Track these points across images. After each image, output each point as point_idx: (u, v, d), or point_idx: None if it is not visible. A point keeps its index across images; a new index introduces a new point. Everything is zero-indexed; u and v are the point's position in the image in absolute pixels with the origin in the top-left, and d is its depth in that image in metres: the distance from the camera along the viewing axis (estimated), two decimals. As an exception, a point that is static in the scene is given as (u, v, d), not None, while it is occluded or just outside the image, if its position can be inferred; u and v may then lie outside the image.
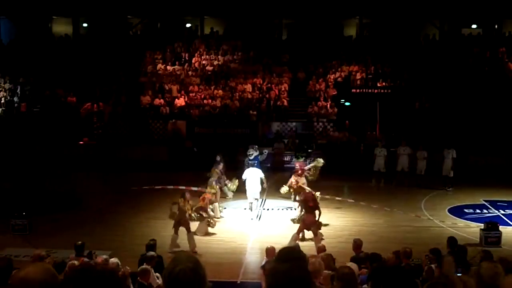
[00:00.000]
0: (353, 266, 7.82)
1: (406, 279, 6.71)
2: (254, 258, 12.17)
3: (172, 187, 16.48)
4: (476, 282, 3.88)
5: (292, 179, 16.00)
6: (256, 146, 19.13)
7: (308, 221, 12.66)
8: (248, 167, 18.02)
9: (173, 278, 2.87)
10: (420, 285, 7.56)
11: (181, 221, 12.74)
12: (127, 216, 15.80)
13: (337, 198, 16.71)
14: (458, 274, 7.76)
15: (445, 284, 3.30)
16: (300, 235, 12.78)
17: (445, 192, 18.90)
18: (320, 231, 13.17)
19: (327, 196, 16.16)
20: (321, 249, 10.17)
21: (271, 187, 18.50)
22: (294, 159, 17.37)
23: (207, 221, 13.87)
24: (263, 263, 9.31)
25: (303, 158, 17.12)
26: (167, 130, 25.11)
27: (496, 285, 3.44)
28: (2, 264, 6.35)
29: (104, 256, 8.95)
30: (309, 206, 12.81)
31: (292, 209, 16.06)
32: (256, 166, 18.25)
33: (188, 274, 2.87)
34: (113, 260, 8.71)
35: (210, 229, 14.09)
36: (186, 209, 12.84)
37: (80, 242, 9.96)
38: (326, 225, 14.36)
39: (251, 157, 18.40)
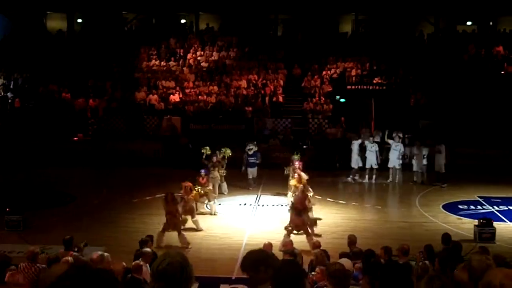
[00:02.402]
0: (348, 262, 7.84)
1: (401, 275, 6.72)
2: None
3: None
4: (468, 275, 3.91)
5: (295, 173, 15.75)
6: (255, 142, 19.01)
7: (296, 222, 12.65)
8: (247, 163, 18.10)
9: (161, 271, 2.91)
10: (415, 281, 7.57)
11: (171, 224, 12.74)
12: (121, 212, 15.78)
13: (329, 199, 16.66)
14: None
15: (440, 278, 3.31)
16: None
17: (439, 188, 18.93)
18: (315, 228, 13.22)
19: (318, 197, 16.18)
20: (315, 245, 10.21)
21: (265, 183, 18.54)
22: (293, 156, 17.18)
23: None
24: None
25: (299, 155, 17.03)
26: (162, 126, 25.03)
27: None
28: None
29: (100, 252, 8.90)
30: (298, 210, 12.80)
31: (286, 205, 15.98)
32: (255, 162, 18.23)
33: (176, 268, 2.91)
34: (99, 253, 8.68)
35: (207, 226, 14.13)
36: (176, 210, 12.87)
37: (68, 237, 9.88)
38: (319, 219, 14.33)
39: (250, 152, 18.33)
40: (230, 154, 17.38)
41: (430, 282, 3.28)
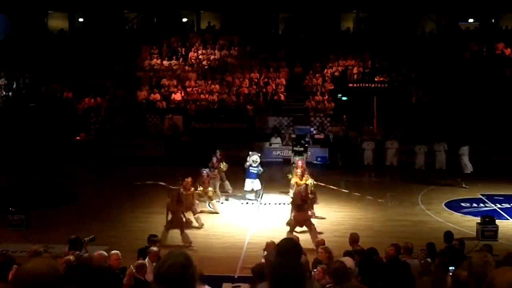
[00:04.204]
0: (349, 261, 7.84)
1: (401, 273, 6.74)
2: (251, 252, 12.17)
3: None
4: (468, 272, 3.95)
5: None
6: (260, 154, 17.42)
7: (299, 218, 12.65)
8: (248, 173, 17.00)
9: (162, 272, 2.90)
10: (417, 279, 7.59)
11: (174, 221, 12.76)
12: (124, 211, 15.80)
13: (331, 186, 16.69)
14: (451, 268, 7.80)
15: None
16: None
17: (441, 186, 18.88)
18: (315, 225, 13.22)
19: (322, 184, 16.18)
20: (319, 243, 10.20)
21: (268, 181, 18.53)
22: (293, 157, 17.00)
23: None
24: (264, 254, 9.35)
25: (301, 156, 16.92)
26: (164, 126, 25.05)
27: (486, 273, 3.51)
28: (1, 260, 6.35)
29: (101, 252, 8.91)
30: (297, 205, 12.78)
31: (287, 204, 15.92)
32: (257, 174, 16.89)
33: (177, 270, 2.89)
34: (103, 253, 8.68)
35: (209, 225, 14.16)
36: (178, 207, 12.88)
37: (73, 236, 9.87)
38: (323, 218, 14.36)
39: (255, 165, 16.83)
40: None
41: None
